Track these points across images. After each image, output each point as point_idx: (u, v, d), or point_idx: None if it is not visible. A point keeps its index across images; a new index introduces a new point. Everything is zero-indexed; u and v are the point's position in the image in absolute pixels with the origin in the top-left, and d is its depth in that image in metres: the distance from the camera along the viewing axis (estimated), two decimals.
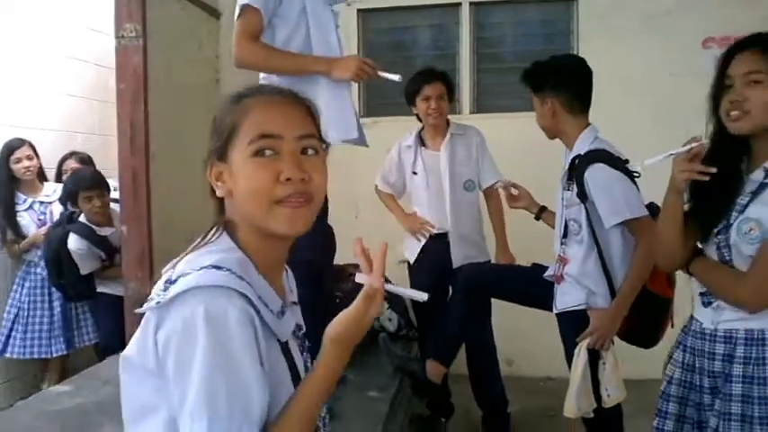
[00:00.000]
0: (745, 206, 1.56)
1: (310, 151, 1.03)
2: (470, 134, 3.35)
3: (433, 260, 3.28)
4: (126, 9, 3.48)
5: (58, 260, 3.58)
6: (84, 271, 3.58)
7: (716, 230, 1.61)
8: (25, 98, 4.10)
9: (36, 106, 4.20)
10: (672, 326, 2.38)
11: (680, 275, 2.34)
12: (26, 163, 3.84)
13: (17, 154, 3.82)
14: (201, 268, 0.94)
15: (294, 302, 1.15)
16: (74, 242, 3.56)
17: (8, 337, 3.81)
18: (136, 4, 3.47)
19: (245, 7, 2.11)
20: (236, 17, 2.15)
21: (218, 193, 1.05)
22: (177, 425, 0.90)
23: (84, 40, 4.57)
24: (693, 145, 1.56)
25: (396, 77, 2.30)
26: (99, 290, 3.67)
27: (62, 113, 4.40)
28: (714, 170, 1.54)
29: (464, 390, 3.23)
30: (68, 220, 3.65)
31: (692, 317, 1.74)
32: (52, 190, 4.01)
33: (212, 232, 1.05)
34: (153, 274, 3.45)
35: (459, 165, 3.31)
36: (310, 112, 1.08)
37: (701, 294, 1.68)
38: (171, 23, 3.84)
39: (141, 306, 0.96)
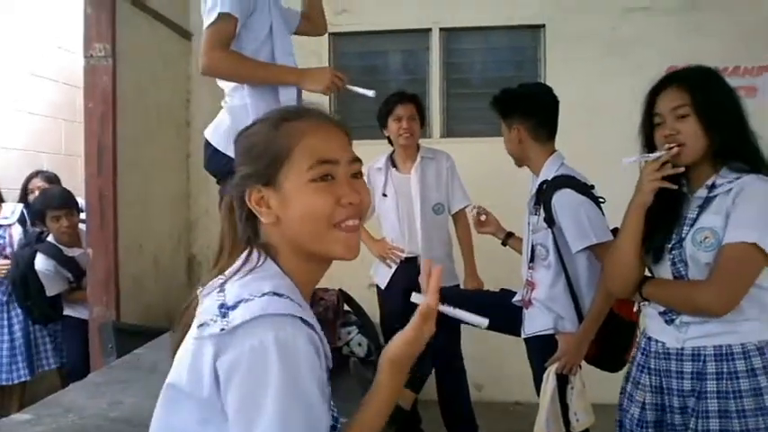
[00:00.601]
0: (696, 219, 1.62)
1: (359, 174, 1.08)
2: (440, 158, 3.38)
3: (404, 285, 3.28)
4: (95, 28, 3.47)
5: (25, 281, 3.51)
6: (50, 292, 3.51)
7: (669, 246, 1.66)
8: None
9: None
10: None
11: None
12: None
13: None
14: (264, 295, 0.93)
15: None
16: (41, 262, 3.49)
17: None
18: (105, 24, 3.47)
19: (221, 15, 2.06)
20: (206, 25, 2.10)
21: (264, 219, 1.04)
22: None
23: (51, 59, 4.53)
24: (662, 153, 1.63)
25: (369, 93, 2.29)
26: (66, 312, 3.60)
27: (26, 132, 4.34)
28: (682, 170, 1.63)
29: (434, 415, 3.21)
30: (37, 240, 3.58)
31: (649, 338, 1.75)
32: (11, 211, 3.87)
33: (256, 257, 1.03)
34: (119, 297, 3.40)
35: (429, 188, 3.34)
36: (349, 135, 1.11)
37: (662, 314, 1.70)
38: (141, 43, 3.84)
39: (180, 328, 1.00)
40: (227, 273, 1.01)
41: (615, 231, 2.32)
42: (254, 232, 1.07)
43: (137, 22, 3.77)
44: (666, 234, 1.68)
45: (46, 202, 3.56)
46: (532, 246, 2.45)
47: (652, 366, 1.72)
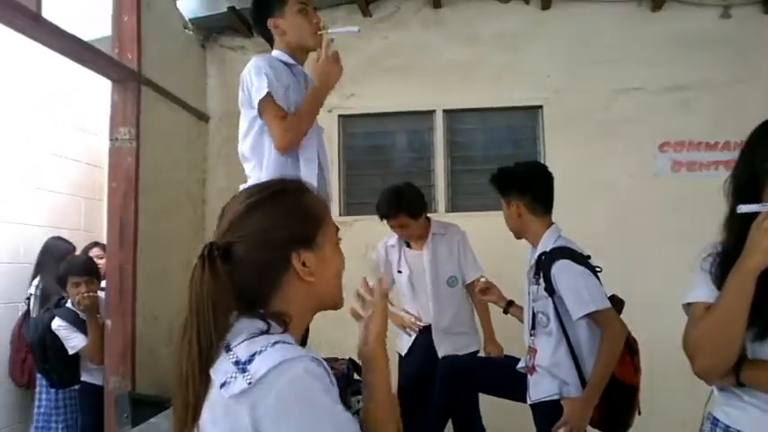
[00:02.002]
0: None
1: None
2: (452, 232, 3.54)
3: (422, 352, 3.44)
4: (121, 113, 3.72)
5: (43, 344, 3.59)
6: (71, 350, 3.54)
7: None
8: (10, 194, 4.22)
9: (21, 202, 4.32)
10: (639, 413, 2.49)
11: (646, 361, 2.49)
12: None
13: None
14: (275, 344, 1.01)
15: None
16: (56, 322, 3.58)
17: None
18: (131, 109, 3.71)
19: (266, 97, 2.22)
20: (258, 112, 2.27)
21: (308, 278, 1.13)
22: None
23: (73, 140, 4.76)
24: None
25: (354, 29, 2.43)
26: (83, 378, 3.65)
27: (47, 209, 4.51)
28: None
29: None
30: (56, 305, 3.70)
31: None
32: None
33: (263, 324, 1.07)
34: (135, 368, 3.48)
35: (441, 263, 3.48)
36: None
37: None
38: (162, 126, 4.08)
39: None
40: (228, 336, 1.06)
41: (611, 298, 2.46)
42: (266, 296, 1.12)
43: (158, 106, 4.02)
44: None
45: (69, 269, 3.65)
46: (533, 314, 2.57)
47: None
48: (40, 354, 3.63)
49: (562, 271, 2.43)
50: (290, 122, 2.25)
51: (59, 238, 4.24)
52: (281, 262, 1.13)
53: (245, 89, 2.31)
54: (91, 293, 3.54)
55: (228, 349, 1.03)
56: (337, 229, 1.23)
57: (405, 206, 3.35)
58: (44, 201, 4.49)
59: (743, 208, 1.33)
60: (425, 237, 3.50)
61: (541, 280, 2.49)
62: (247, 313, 1.09)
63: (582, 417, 2.40)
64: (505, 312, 2.96)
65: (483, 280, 3.02)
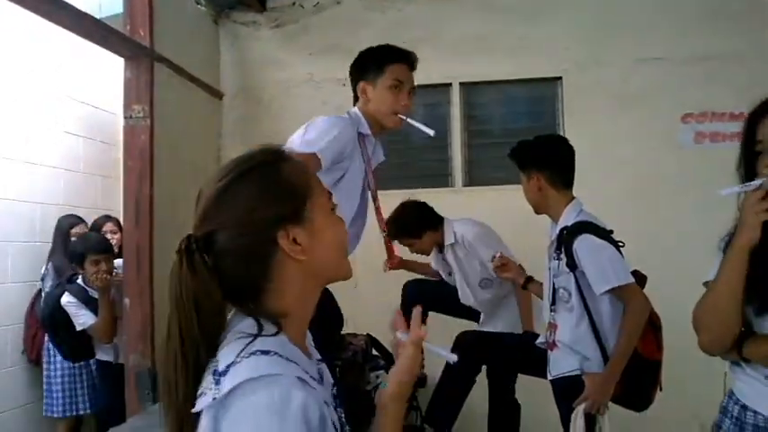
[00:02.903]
0: None
1: None
2: (459, 238, 3.44)
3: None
4: (135, 91, 3.69)
5: (54, 318, 3.64)
6: (80, 325, 3.59)
7: None
8: (26, 172, 4.21)
9: (37, 180, 4.32)
10: (660, 389, 2.45)
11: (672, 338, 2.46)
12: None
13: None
14: (251, 355, 0.91)
15: (319, 359, 1.14)
16: (66, 297, 3.62)
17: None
18: (144, 87, 3.69)
19: (312, 156, 2.04)
20: (298, 148, 2.11)
21: (299, 256, 1.01)
22: None
23: (86, 117, 4.74)
24: (764, 179, 1.38)
25: (430, 131, 2.40)
26: (98, 357, 3.71)
27: (64, 188, 4.52)
28: None
29: None
30: (68, 281, 3.73)
31: (743, 407, 1.47)
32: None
33: (253, 323, 0.98)
34: (154, 346, 3.51)
35: (466, 268, 3.44)
36: None
37: None
38: (176, 104, 4.06)
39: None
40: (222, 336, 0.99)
41: (634, 274, 2.41)
42: (255, 285, 1.02)
43: (172, 83, 4.00)
44: None
45: (87, 246, 3.65)
46: (554, 289, 2.53)
47: None
48: (51, 328, 3.69)
49: (584, 246, 2.38)
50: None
51: (70, 215, 4.23)
52: (267, 245, 1.01)
53: (306, 126, 2.20)
54: (108, 273, 3.57)
55: (215, 354, 0.95)
56: (329, 194, 1.10)
57: (400, 230, 3.37)
58: (60, 179, 4.49)
59: (725, 191, 1.42)
60: (441, 245, 3.47)
61: (563, 255, 2.45)
62: (241, 309, 1.01)
63: (603, 392, 2.37)
64: (524, 288, 2.92)
65: (498, 256, 2.95)
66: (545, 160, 2.57)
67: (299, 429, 0.87)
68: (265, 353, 0.91)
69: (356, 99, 2.43)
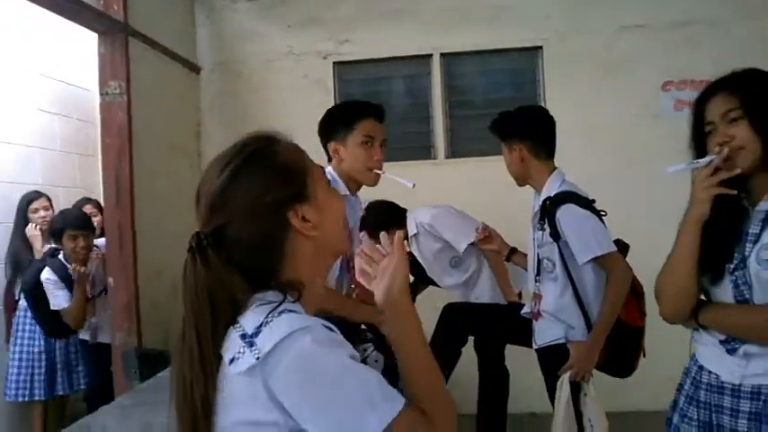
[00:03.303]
0: (759, 234, 1.45)
1: None
2: (419, 226, 3.47)
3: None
4: (110, 67, 3.62)
5: (34, 292, 3.64)
6: (54, 305, 3.60)
7: (731, 267, 1.48)
8: (5, 152, 4.13)
9: (16, 160, 4.24)
10: (644, 355, 2.50)
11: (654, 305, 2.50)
12: (42, 213, 3.90)
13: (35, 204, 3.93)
14: (281, 313, 0.94)
15: None
16: (46, 273, 3.61)
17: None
18: (120, 62, 3.62)
19: None
20: None
21: (311, 232, 1.05)
22: None
23: (60, 94, 4.65)
24: (713, 157, 1.47)
25: (409, 184, 2.39)
26: (81, 336, 3.71)
27: (42, 168, 4.44)
28: (738, 171, 1.45)
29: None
30: (51, 255, 3.71)
31: (700, 367, 1.58)
32: None
33: (273, 294, 1.00)
34: (140, 323, 3.50)
35: (429, 257, 3.50)
36: None
37: (723, 342, 1.51)
38: (152, 79, 3.99)
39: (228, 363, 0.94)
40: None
41: (617, 243, 2.43)
42: (275, 267, 1.04)
43: (148, 58, 3.92)
44: (726, 252, 1.49)
45: (66, 222, 3.65)
46: (539, 260, 2.55)
47: (702, 399, 1.56)
48: (31, 302, 3.68)
49: (567, 215, 2.40)
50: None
51: (31, 191, 4.06)
52: (280, 226, 1.04)
53: None
54: (86, 249, 3.58)
55: (236, 322, 0.97)
56: (322, 168, 1.15)
57: (368, 231, 3.30)
58: (36, 158, 4.40)
59: (671, 169, 1.55)
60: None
61: (546, 225, 2.47)
62: (260, 289, 1.01)
63: (588, 360, 2.42)
64: (507, 260, 2.94)
65: (481, 228, 2.95)
66: (527, 131, 2.57)
67: (348, 350, 0.93)
68: (293, 311, 0.96)
69: (329, 159, 2.42)
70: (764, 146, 1.44)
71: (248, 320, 0.95)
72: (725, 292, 1.50)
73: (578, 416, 2.43)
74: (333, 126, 2.36)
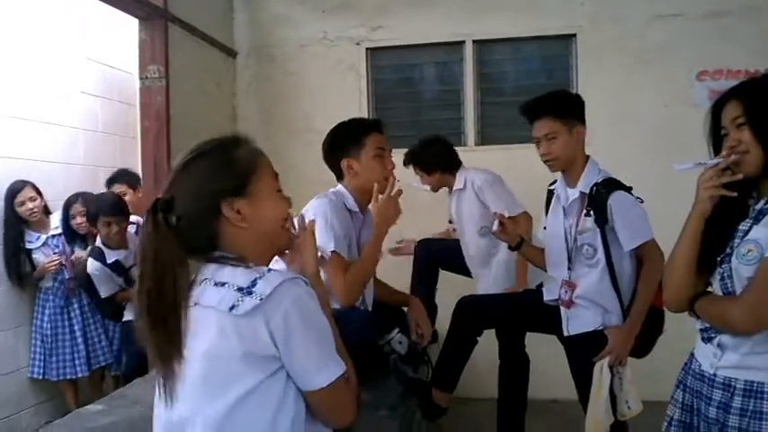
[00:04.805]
0: (747, 231, 1.53)
1: None
2: (469, 187, 3.53)
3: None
4: (150, 51, 3.73)
5: (86, 287, 3.83)
6: (102, 293, 3.72)
7: (719, 260, 1.57)
8: (46, 132, 4.24)
9: (66, 142, 4.39)
10: (662, 332, 2.55)
11: None
12: (29, 205, 3.88)
13: (20, 197, 3.87)
14: (269, 270, 1.23)
15: None
16: (90, 264, 3.72)
17: (38, 360, 4.02)
18: (159, 47, 3.71)
19: (332, 254, 2.28)
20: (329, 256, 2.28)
21: (241, 224, 1.27)
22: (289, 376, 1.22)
23: (105, 77, 4.77)
24: (719, 160, 1.55)
25: (425, 188, 2.53)
26: (126, 318, 3.80)
27: (84, 149, 4.57)
28: (740, 176, 1.52)
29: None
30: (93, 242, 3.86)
31: (692, 354, 1.69)
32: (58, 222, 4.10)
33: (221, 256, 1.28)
34: None
35: (464, 216, 3.58)
36: None
37: (702, 330, 1.62)
38: (190, 64, 4.08)
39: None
40: (206, 273, 1.25)
41: None
42: (211, 242, 1.28)
43: (186, 44, 4.01)
44: (719, 247, 1.58)
45: (99, 207, 3.75)
46: (575, 247, 2.54)
47: (687, 384, 1.68)
48: (87, 291, 3.87)
49: (619, 202, 2.41)
50: (352, 277, 2.31)
51: (17, 180, 3.93)
52: (212, 211, 1.26)
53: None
54: (120, 234, 3.70)
55: (220, 284, 1.20)
56: (276, 176, 1.35)
57: (415, 160, 3.61)
58: (79, 139, 4.54)
59: (679, 167, 1.63)
60: (450, 188, 3.60)
61: (591, 211, 2.46)
62: (212, 259, 1.26)
63: (626, 344, 2.45)
64: (513, 250, 2.86)
65: (499, 216, 2.79)
66: (583, 114, 2.55)
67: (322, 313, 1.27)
68: (276, 270, 1.24)
69: (337, 177, 2.49)
70: (762, 152, 1.51)
71: (239, 278, 1.19)
72: (717, 285, 1.59)
73: (612, 399, 2.46)
74: (342, 145, 2.44)
